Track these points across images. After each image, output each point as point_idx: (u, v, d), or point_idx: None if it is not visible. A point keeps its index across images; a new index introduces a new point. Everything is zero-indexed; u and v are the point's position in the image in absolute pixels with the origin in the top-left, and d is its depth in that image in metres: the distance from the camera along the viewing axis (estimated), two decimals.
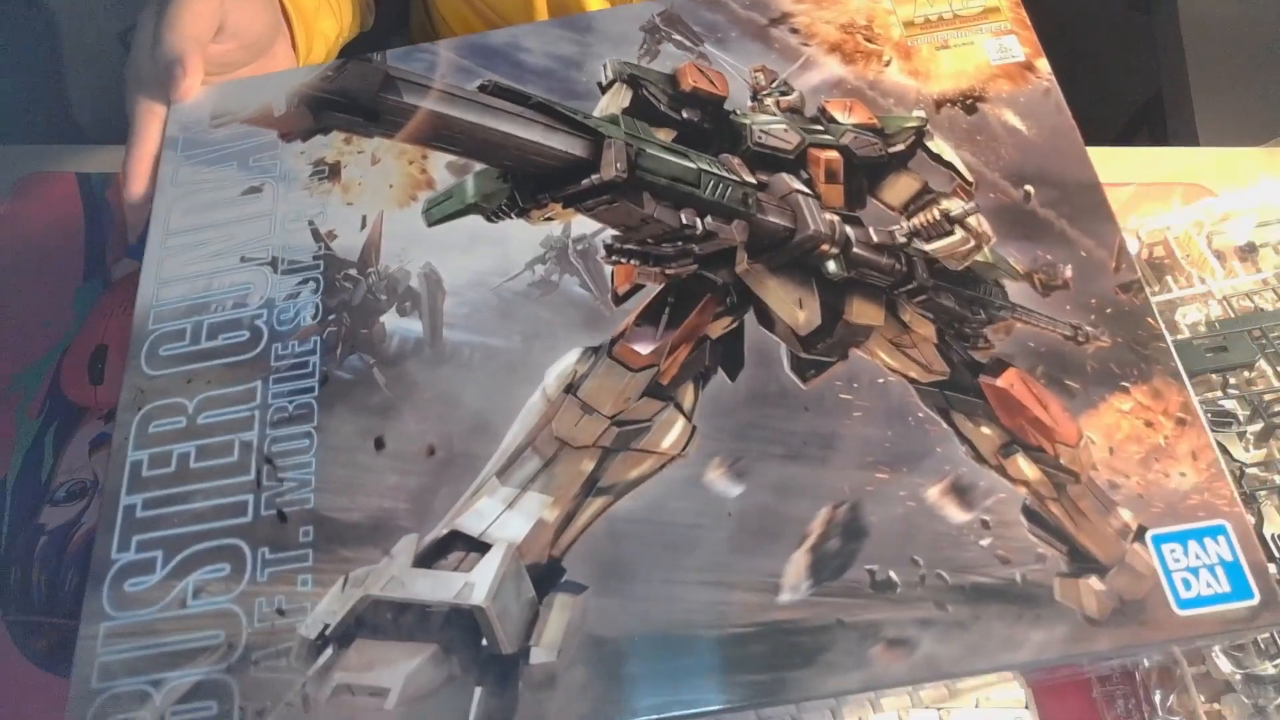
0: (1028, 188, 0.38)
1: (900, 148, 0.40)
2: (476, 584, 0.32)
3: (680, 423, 0.35)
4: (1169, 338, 0.35)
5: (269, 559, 0.34)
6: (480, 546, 0.33)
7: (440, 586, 0.33)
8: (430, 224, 0.40)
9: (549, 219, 0.40)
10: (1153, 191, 0.54)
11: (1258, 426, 0.43)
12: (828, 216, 0.38)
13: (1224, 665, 0.38)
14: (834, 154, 0.40)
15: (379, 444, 0.35)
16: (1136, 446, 0.33)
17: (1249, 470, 0.41)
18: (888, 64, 0.42)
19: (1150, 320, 0.35)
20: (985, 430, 0.34)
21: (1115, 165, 0.57)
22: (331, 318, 0.38)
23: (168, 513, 0.35)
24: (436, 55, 0.45)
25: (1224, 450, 0.42)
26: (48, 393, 0.52)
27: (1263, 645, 0.38)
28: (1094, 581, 0.31)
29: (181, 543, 0.34)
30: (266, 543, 0.34)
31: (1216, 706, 0.38)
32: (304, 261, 0.40)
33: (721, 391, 0.35)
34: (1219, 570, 0.31)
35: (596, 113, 0.42)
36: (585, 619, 0.32)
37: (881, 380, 0.35)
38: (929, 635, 0.31)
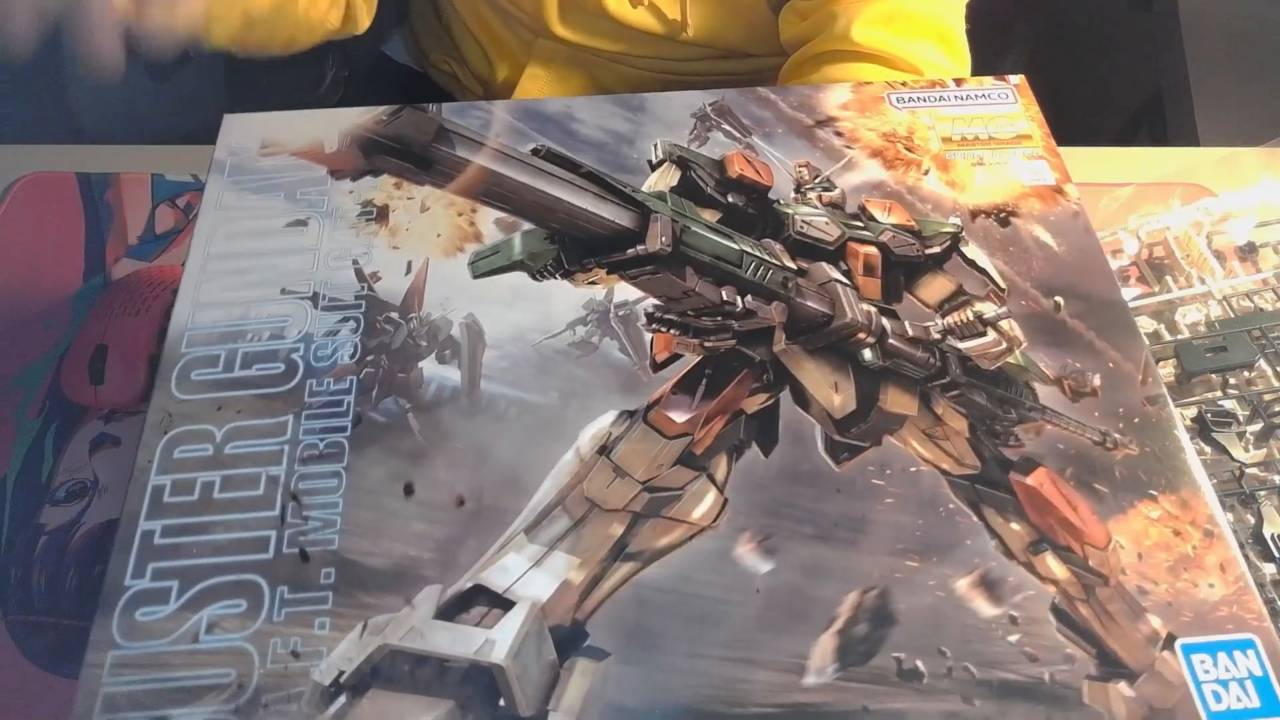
0: (1058, 299, 0.40)
1: (936, 250, 0.41)
2: (498, 641, 0.32)
3: (712, 494, 0.35)
4: (1190, 451, 0.36)
5: (288, 598, 0.33)
6: (504, 603, 0.33)
7: (460, 641, 0.32)
8: (475, 276, 0.41)
9: (593, 283, 0.41)
10: (1153, 191, 0.53)
11: (1258, 426, 0.42)
12: (865, 307, 0.39)
13: None
14: (873, 249, 0.41)
15: (408, 490, 0.35)
16: (1165, 554, 0.34)
17: (1249, 470, 0.41)
18: (926, 173, 0.44)
19: (1176, 434, 0.36)
20: (1015, 526, 0.34)
21: (1115, 165, 0.57)
22: (370, 359, 0.39)
23: (187, 542, 0.34)
24: (491, 114, 0.47)
25: (1223, 450, 0.42)
26: (48, 393, 0.51)
27: None
28: (1123, 687, 0.31)
29: (199, 574, 0.33)
30: (286, 581, 0.33)
31: None
32: (345, 300, 0.40)
33: (755, 467, 0.36)
34: (1249, 685, 0.31)
35: (645, 188, 0.44)
36: (606, 686, 0.31)
37: (914, 469, 0.35)
38: None
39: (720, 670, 0.31)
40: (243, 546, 0.34)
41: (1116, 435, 0.36)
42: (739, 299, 0.39)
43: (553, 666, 0.31)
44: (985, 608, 0.32)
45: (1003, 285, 0.40)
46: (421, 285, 0.41)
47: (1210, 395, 0.45)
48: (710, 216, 0.43)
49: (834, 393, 0.37)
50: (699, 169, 0.44)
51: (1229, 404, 0.44)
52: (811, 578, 0.33)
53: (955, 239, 0.42)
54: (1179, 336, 0.46)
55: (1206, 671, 0.31)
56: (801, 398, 0.37)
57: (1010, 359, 0.38)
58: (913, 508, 0.35)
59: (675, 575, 0.33)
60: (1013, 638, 0.32)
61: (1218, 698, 0.31)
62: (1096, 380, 0.38)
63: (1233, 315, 0.47)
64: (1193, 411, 0.45)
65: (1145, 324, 0.50)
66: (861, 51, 0.59)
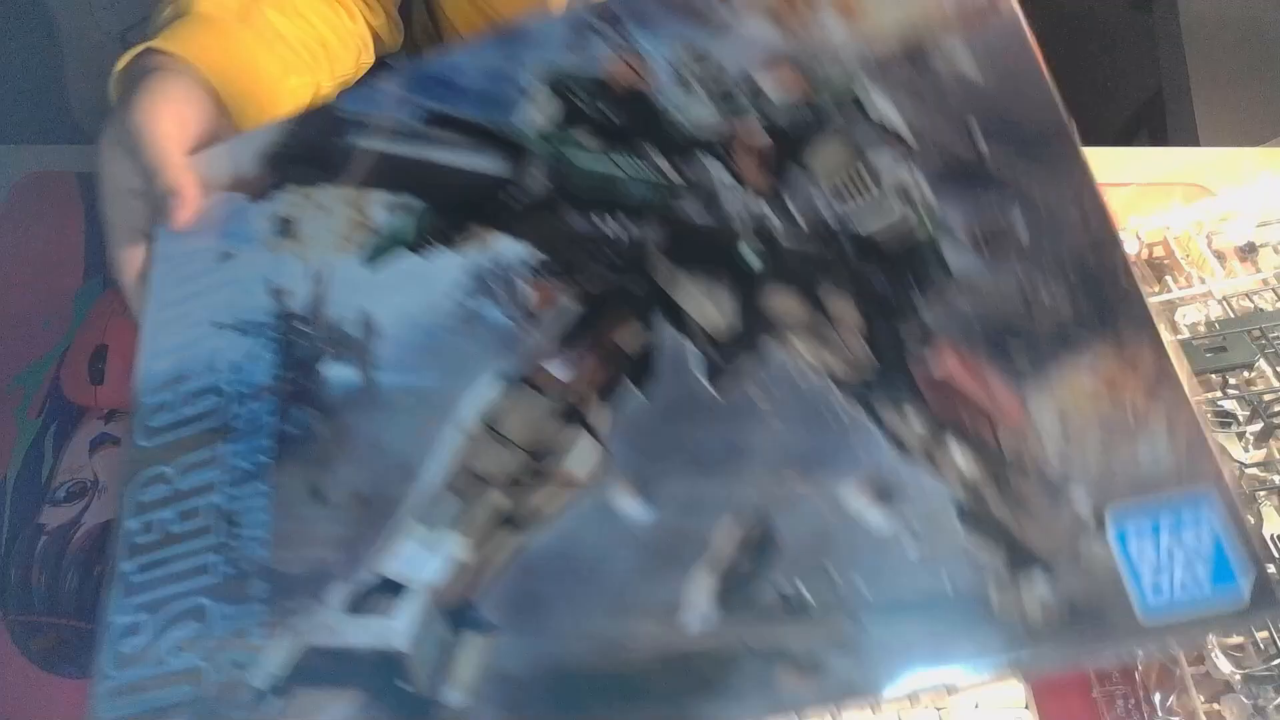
0: (980, 144, 0.33)
1: (837, 115, 0.36)
2: (397, 628, 0.33)
3: (593, 448, 0.33)
4: (1137, 292, 0.29)
5: (227, 614, 0.36)
6: (402, 590, 0.33)
7: (366, 632, 0.33)
8: (368, 267, 0.41)
9: (474, 245, 0.39)
10: (1153, 191, 0.54)
11: (1257, 427, 0.42)
12: (750, 204, 0.35)
13: (1224, 665, 0.36)
14: (762, 134, 0.36)
15: (319, 495, 0.37)
16: (1096, 421, 0.28)
17: (1249, 470, 0.40)
18: (823, 19, 0.38)
19: (1123, 279, 0.29)
20: (913, 420, 0.30)
21: (1115, 165, 0.58)
22: (283, 375, 0.40)
23: (153, 576, 0.38)
24: (381, 91, 0.46)
25: (1223, 450, 0.41)
26: (48, 393, 0.51)
27: (1262, 645, 0.36)
28: (1040, 588, 0.26)
29: (163, 604, 0.37)
30: (226, 599, 0.36)
31: (1216, 706, 0.37)
32: (262, 321, 0.42)
33: (634, 409, 0.33)
34: (1198, 560, 0.25)
35: (523, 125, 0.41)
36: (496, 658, 0.31)
37: (800, 378, 0.32)
38: (843, 656, 0.27)
39: (603, 627, 0.30)
40: (194, 573, 0.37)
41: (1043, 292, 0.30)
42: (616, 226, 0.36)
43: (447, 645, 0.32)
44: (878, 520, 0.29)
45: (911, 141, 0.34)
46: (324, 290, 0.42)
47: (1210, 395, 0.44)
48: (591, 140, 0.40)
49: (715, 311, 0.34)
50: (575, 86, 0.41)
51: (1229, 404, 0.43)
52: (691, 515, 0.31)
53: (855, 97, 0.36)
54: (1179, 337, 0.46)
55: (1143, 552, 0.26)
56: (680, 322, 0.34)
57: (917, 228, 0.33)
58: (797, 420, 0.31)
59: (559, 538, 0.32)
60: (909, 549, 0.28)
61: (1157, 588, 0.25)
62: (1023, 230, 0.31)
63: (1232, 315, 0.46)
64: None
65: None
66: None
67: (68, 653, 0.37)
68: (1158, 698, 0.38)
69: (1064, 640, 0.26)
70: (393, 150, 0.43)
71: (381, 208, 0.42)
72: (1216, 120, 0.70)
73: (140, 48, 0.51)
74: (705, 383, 0.33)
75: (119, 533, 0.40)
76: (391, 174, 0.42)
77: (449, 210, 0.40)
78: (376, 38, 0.66)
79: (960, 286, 0.31)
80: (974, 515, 0.28)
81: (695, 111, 0.38)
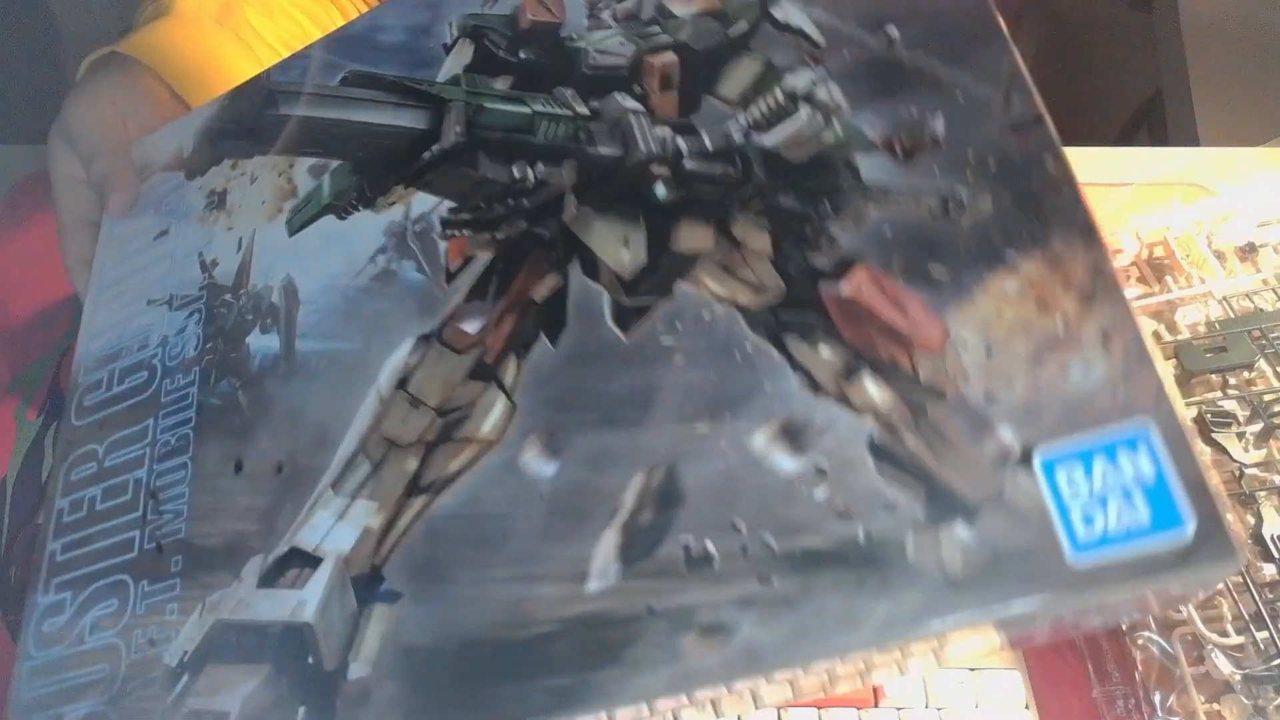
0: (890, 30, 0.30)
1: (743, 25, 0.33)
2: (307, 601, 0.31)
3: (500, 403, 0.31)
4: (1073, 180, 0.25)
5: (147, 591, 0.35)
6: (314, 561, 0.32)
7: (277, 605, 0.32)
8: (292, 232, 0.39)
9: (393, 204, 0.37)
10: (1153, 191, 0.53)
11: (1258, 427, 0.42)
12: (659, 132, 0.32)
13: (1224, 665, 0.37)
14: (669, 57, 0.34)
15: (238, 467, 0.35)
16: (1024, 338, 0.24)
17: (1249, 471, 0.40)
18: None
19: (1050, 164, 0.26)
20: (825, 351, 0.27)
21: (1115, 165, 0.57)
22: (209, 346, 0.39)
23: (77, 555, 0.37)
24: (309, 59, 0.44)
25: (1223, 451, 0.41)
26: (48, 393, 0.51)
27: (1262, 645, 0.37)
28: (959, 530, 0.23)
29: (85, 582, 0.36)
30: (146, 575, 0.35)
31: (1216, 706, 0.37)
32: (192, 294, 0.41)
33: (543, 361, 0.31)
34: (1136, 494, 0.22)
35: (441, 76, 0.39)
36: (399, 629, 0.29)
37: (707, 314, 0.29)
38: (749, 618, 0.25)
39: (504, 592, 0.28)
40: (115, 550, 0.36)
41: (963, 193, 0.27)
42: (529, 171, 0.34)
43: (353, 617, 0.30)
44: (787, 462, 0.26)
45: (820, 40, 0.31)
46: (249, 259, 0.40)
47: (1210, 395, 0.44)
48: (505, 84, 0.37)
49: (624, 249, 0.31)
50: (491, 33, 0.39)
51: (1229, 404, 0.43)
52: (596, 469, 0.29)
53: (763, 3, 0.33)
54: (1179, 337, 0.46)
55: (1075, 487, 0.22)
56: (591, 267, 0.32)
57: (827, 136, 0.29)
58: (705, 360, 0.28)
59: (463, 500, 0.30)
60: (820, 493, 0.25)
61: (1089, 520, 0.22)
62: (939, 124, 0.28)
63: (1233, 315, 0.46)
64: (1192, 412, 0.44)
65: (1145, 324, 0.47)
66: None
67: None
68: (1158, 698, 0.37)
69: (987, 591, 0.22)
70: (315, 114, 0.41)
71: (305, 172, 0.40)
72: (1216, 120, 0.70)
73: (101, 51, 0.51)
74: (612, 326, 0.30)
75: (50, 509, 0.39)
76: (314, 137, 0.40)
77: (369, 169, 0.38)
78: None
79: (872, 196, 0.28)
80: (888, 452, 0.25)
81: (602, 40, 0.35)
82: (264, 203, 0.41)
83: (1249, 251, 0.48)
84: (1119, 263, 0.50)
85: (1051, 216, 0.25)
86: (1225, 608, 0.38)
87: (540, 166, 0.34)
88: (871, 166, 0.28)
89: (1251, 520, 0.39)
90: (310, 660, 0.30)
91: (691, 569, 0.26)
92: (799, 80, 0.31)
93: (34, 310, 0.55)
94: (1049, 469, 0.23)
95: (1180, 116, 0.73)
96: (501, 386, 0.31)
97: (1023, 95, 0.27)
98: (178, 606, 0.34)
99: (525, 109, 0.35)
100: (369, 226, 0.37)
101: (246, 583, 0.33)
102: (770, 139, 0.30)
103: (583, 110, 0.34)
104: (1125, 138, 0.84)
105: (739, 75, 0.32)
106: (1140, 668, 0.38)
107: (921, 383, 0.25)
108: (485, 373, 0.32)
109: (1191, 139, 0.71)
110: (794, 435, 0.26)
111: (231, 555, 0.33)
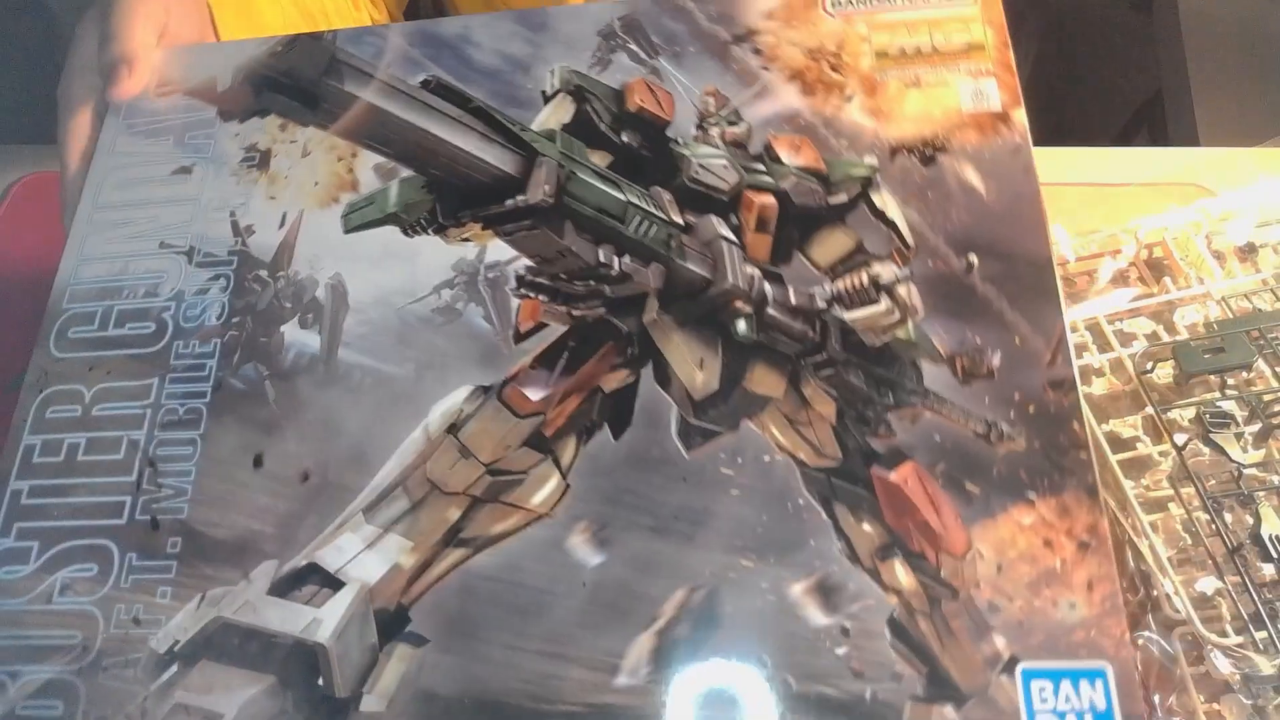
0: (972, 258, 0.35)
1: (842, 198, 0.37)
2: (324, 621, 0.32)
3: (554, 479, 0.34)
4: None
5: (135, 565, 0.34)
6: (335, 583, 0.33)
7: (289, 618, 0.32)
8: (347, 230, 0.39)
9: (466, 239, 0.38)
10: (1152, 191, 0.53)
11: (1256, 427, 0.42)
12: (749, 270, 0.36)
13: (1223, 665, 0.37)
14: (770, 200, 0.37)
15: (258, 461, 0.35)
16: (1029, 567, 0.30)
17: (1247, 471, 0.41)
18: (849, 99, 0.39)
19: (1076, 426, 0.32)
20: (866, 527, 0.32)
21: (1115, 165, 0.57)
22: (235, 320, 0.38)
23: (49, 503, 0.35)
24: (386, 41, 0.43)
25: (1222, 451, 0.42)
26: None
27: (1261, 646, 0.37)
28: (949, 711, 0.29)
29: (57, 536, 0.35)
30: (136, 548, 0.34)
31: (1216, 706, 0.37)
32: (219, 255, 0.39)
33: (602, 450, 0.34)
34: (1088, 716, 0.28)
35: (536, 125, 0.40)
36: (421, 673, 0.31)
37: (768, 458, 0.33)
38: None
39: (534, 665, 0.31)
40: (99, 511, 0.35)
41: (1004, 426, 0.32)
42: (616, 260, 0.36)
43: (373, 650, 0.32)
44: (817, 616, 0.31)
45: (910, 241, 0.36)
46: (293, 241, 0.39)
47: (1209, 396, 0.44)
48: (601, 159, 0.39)
49: (697, 370, 0.35)
50: (595, 101, 0.40)
51: (1227, 405, 0.43)
52: (641, 572, 0.32)
53: (866, 184, 0.37)
54: (1177, 337, 0.46)
55: (1044, 700, 0.29)
56: (663, 375, 0.35)
57: (900, 332, 0.34)
58: (759, 501, 0.32)
59: (504, 563, 0.33)
60: (840, 650, 0.30)
61: None
62: (995, 359, 0.33)
63: (1231, 316, 0.46)
64: (1191, 413, 0.44)
65: (1144, 325, 0.48)
66: None
67: None
68: (1158, 698, 0.37)
69: None
70: (390, 109, 0.40)
71: (370, 169, 0.40)
72: (1216, 120, 0.69)
73: None
74: (676, 440, 0.34)
75: (15, 444, 0.37)
76: (384, 135, 0.39)
77: (444, 193, 0.38)
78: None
79: (930, 402, 0.33)
80: (904, 631, 0.30)
81: (708, 157, 0.38)
82: (317, 184, 0.40)
83: (1248, 252, 0.48)
84: (1117, 264, 0.50)
85: (1069, 474, 0.31)
86: (1225, 608, 0.39)
87: (627, 259, 0.36)
88: (934, 374, 0.33)
89: (1250, 520, 0.40)
90: (320, 682, 0.31)
91: (715, 685, 0.30)
92: (885, 272, 0.35)
93: (34, 310, 0.55)
94: (1027, 679, 0.29)
95: (1180, 116, 0.72)
96: (557, 463, 0.34)
97: (1065, 359, 0.33)
98: (171, 591, 0.33)
99: (620, 195, 0.37)
100: (436, 254, 0.38)
101: (256, 586, 0.33)
102: (850, 317, 0.35)
103: (677, 219, 0.37)
104: (1125, 138, 0.85)
105: (831, 245, 0.36)
106: (1140, 668, 0.38)
107: (941, 578, 0.30)
108: (542, 444, 0.34)
109: (1191, 139, 0.70)
110: (828, 594, 0.31)
111: (241, 553, 0.34)
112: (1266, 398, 0.43)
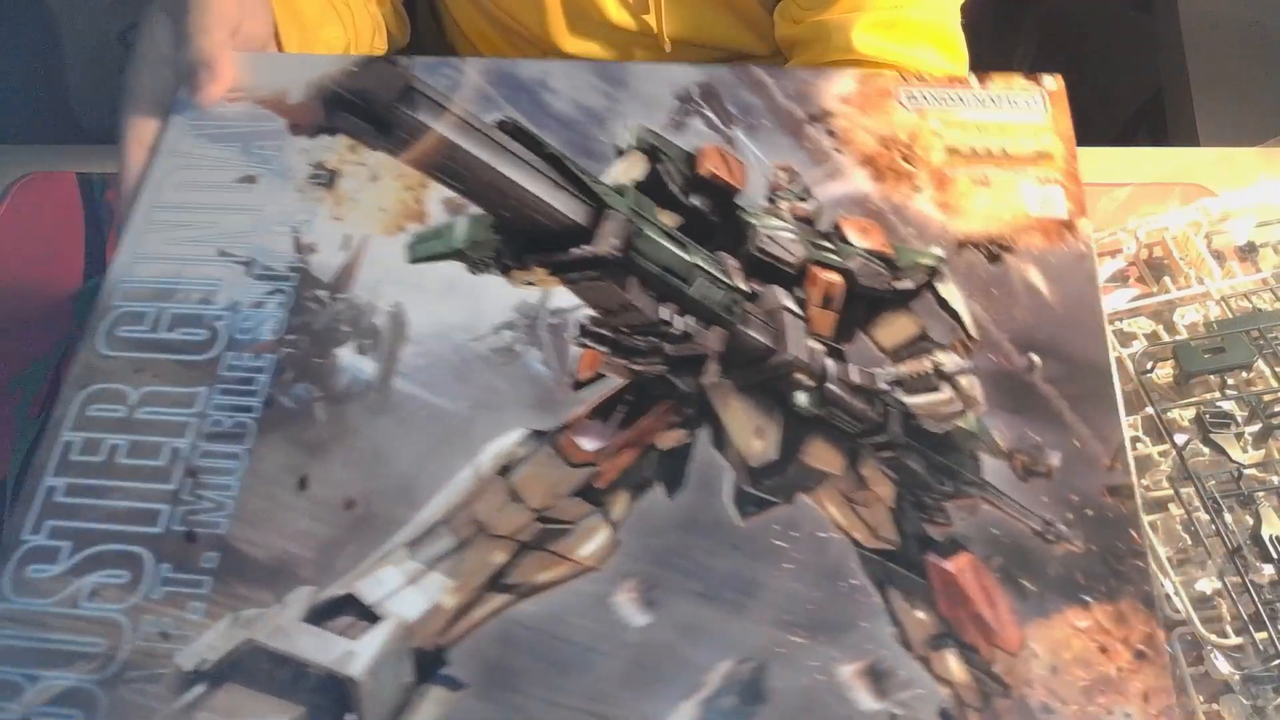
0: (1034, 357, 0.35)
1: (908, 285, 0.37)
2: (358, 654, 0.31)
3: (604, 532, 0.33)
4: (1157, 556, 0.32)
5: (168, 577, 0.33)
6: (372, 616, 0.32)
7: (323, 648, 0.32)
8: (412, 260, 0.39)
9: (530, 283, 0.38)
10: (1152, 191, 0.53)
11: (1256, 427, 0.42)
12: (811, 344, 0.36)
13: (1223, 666, 0.37)
14: (836, 278, 0.37)
15: (303, 483, 0.35)
16: (1083, 671, 0.30)
17: (1247, 471, 0.40)
18: (919, 190, 0.40)
19: (1133, 533, 0.32)
20: (920, 615, 0.31)
21: (1115, 165, 0.57)
22: (291, 338, 0.38)
23: (85, 504, 0.34)
24: (462, 74, 0.44)
25: (1222, 451, 0.41)
26: (48, 393, 0.52)
27: (1261, 646, 0.37)
28: None
29: (91, 538, 0.34)
30: (170, 559, 0.33)
31: (1215, 707, 0.37)
32: (278, 270, 0.39)
33: (654, 509, 0.34)
34: None
35: (607, 179, 0.40)
36: (455, 717, 0.31)
37: (823, 534, 0.33)
38: None
39: None
40: (135, 517, 0.34)
41: (1061, 527, 0.32)
42: (678, 320, 0.36)
43: (407, 689, 0.31)
44: (866, 700, 0.30)
45: (974, 334, 0.36)
46: (356, 264, 0.39)
47: (1209, 396, 0.44)
48: (669, 220, 0.39)
49: (755, 438, 0.35)
50: (668, 162, 0.41)
51: (1227, 405, 0.43)
52: (688, 638, 0.31)
53: (932, 274, 0.37)
54: (1177, 337, 0.46)
55: None
56: (719, 438, 0.35)
57: (961, 422, 0.35)
58: (812, 577, 0.32)
59: (547, 614, 0.32)
60: None
61: None
62: (1055, 459, 0.34)
63: (1231, 316, 0.45)
64: (1191, 413, 0.44)
65: (1143, 325, 0.48)
66: (865, 60, 0.55)
67: None
68: None
69: None
70: (464, 145, 0.41)
71: (440, 204, 0.40)
72: (1216, 120, 0.69)
73: None
74: (730, 506, 0.33)
75: (53, 439, 0.36)
76: (456, 170, 0.40)
77: (512, 235, 0.39)
78: (396, 17, 0.64)
79: (989, 495, 0.33)
80: None
81: (776, 229, 0.39)
82: (383, 210, 0.40)
83: (1248, 252, 0.48)
84: (1117, 264, 0.49)
85: (1126, 581, 0.31)
86: (1224, 608, 0.39)
87: (689, 320, 0.37)
88: (993, 468, 0.34)
89: (1250, 521, 0.40)
90: (349, 717, 0.31)
91: None
92: (948, 361, 0.35)
93: (34, 310, 0.55)
94: None
95: (1180, 116, 0.72)
96: (608, 517, 0.34)
97: (1124, 466, 0.33)
98: (204, 608, 0.32)
99: (686, 256, 0.37)
100: (500, 295, 0.38)
101: (290, 611, 0.32)
102: (912, 402, 0.35)
103: (742, 286, 0.37)
104: (1125, 138, 0.84)
105: (895, 329, 0.37)
106: None
107: (994, 673, 0.30)
108: (593, 496, 0.34)
109: (1191, 139, 0.70)
110: (878, 679, 0.30)
111: (277, 575, 0.33)
112: (1266, 398, 0.43)
